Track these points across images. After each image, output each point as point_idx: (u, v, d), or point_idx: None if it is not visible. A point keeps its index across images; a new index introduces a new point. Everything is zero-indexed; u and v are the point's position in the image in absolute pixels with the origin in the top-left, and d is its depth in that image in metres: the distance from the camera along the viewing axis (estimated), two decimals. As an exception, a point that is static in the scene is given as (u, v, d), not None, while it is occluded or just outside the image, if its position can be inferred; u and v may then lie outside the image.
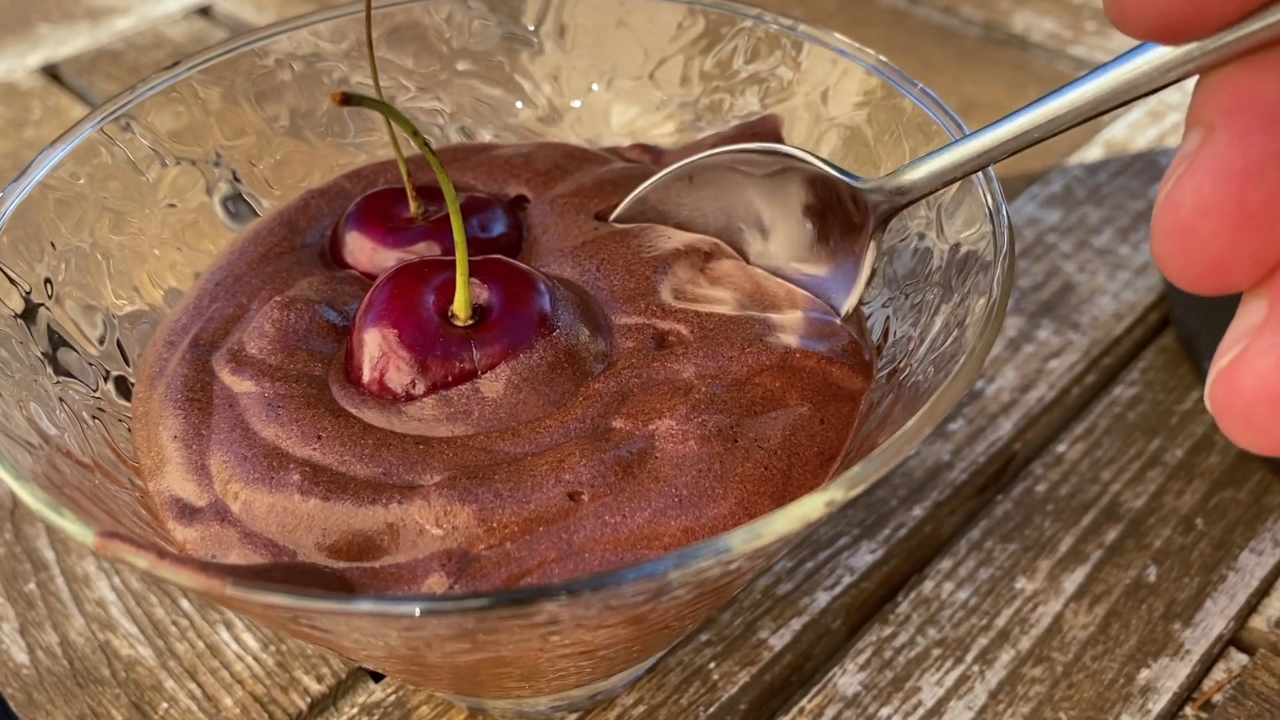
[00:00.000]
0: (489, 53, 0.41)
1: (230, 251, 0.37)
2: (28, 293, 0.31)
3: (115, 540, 0.23)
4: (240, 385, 0.31)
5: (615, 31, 0.40)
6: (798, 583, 0.36)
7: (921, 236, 0.32)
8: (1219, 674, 0.34)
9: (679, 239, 0.34)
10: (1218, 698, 0.33)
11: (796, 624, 0.35)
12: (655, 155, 0.40)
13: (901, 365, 0.30)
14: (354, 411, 0.30)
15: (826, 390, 0.30)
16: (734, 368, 0.30)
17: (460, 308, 0.30)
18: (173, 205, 0.37)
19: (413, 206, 0.36)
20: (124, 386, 0.33)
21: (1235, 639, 0.35)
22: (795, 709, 0.33)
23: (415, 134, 0.27)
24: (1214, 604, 0.36)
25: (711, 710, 0.33)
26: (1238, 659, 0.34)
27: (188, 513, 0.29)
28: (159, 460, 0.30)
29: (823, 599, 0.36)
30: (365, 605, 0.21)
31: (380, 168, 0.40)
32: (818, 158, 0.31)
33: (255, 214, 0.39)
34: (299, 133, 0.40)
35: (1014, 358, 0.44)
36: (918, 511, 0.39)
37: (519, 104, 0.41)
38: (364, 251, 0.35)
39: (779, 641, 0.35)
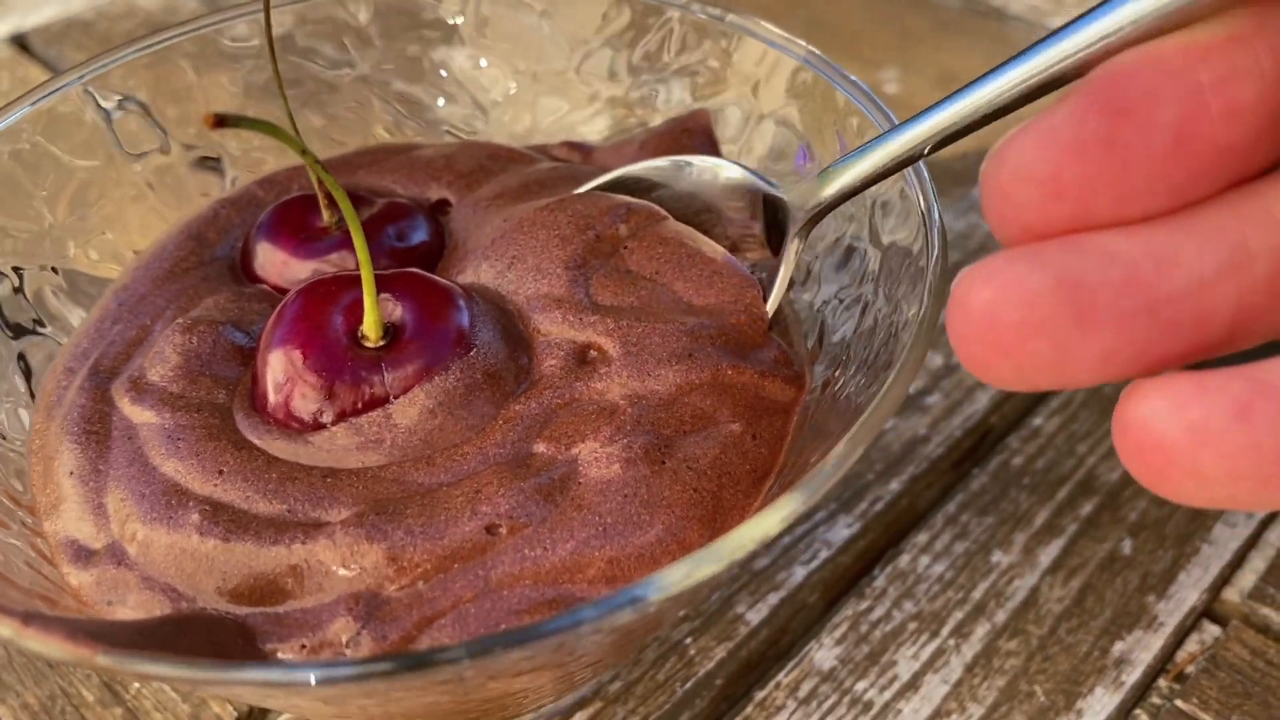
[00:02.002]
0: (408, 46, 0.40)
1: (135, 268, 0.35)
2: None
3: None
4: (140, 416, 0.29)
5: (539, 22, 0.39)
6: (774, 557, 0.36)
7: (856, 239, 0.32)
8: (1192, 646, 0.34)
9: (589, 213, 0.32)
10: (1191, 669, 0.33)
11: (773, 599, 0.35)
12: (584, 153, 0.38)
13: (835, 375, 0.29)
14: (258, 443, 0.28)
15: (758, 405, 0.29)
16: (660, 387, 0.29)
17: (370, 328, 0.28)
18: (80, 214, 0.35)
19: (325, 215, 0.34)
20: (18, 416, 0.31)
21: (1208, 611, 0.35)
22: (772, 683, 0.33)
23: (304, 153, 0.25)
24: (1188, 576, 0.36)
25: (688, 685, 0.33)
26: (1210, 630, 0.34)
27: (84, 556, 0.27)
28: (55, 499, 0.29)
29: (799, 573, 0.36)
30: (252, 674, 0.20)
31: (294, 172, 0.38)
32: (736, 163, 0.31)
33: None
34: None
35: (991, 331, 0.44)
36: (894, 485, 0.39)
37: (441, 100, 0.40)
38: (274, 265, 0.33)
39: (755, 616, 0.35)
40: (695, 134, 0.36)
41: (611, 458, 0.27)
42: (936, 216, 0.27)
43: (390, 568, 0.26)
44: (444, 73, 0.40)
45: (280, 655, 0.25)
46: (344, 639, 0.25)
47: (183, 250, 0.35)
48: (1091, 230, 0.18)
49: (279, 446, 0.28)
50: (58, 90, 0.34)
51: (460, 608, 0.25)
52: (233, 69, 0.38)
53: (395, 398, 0.28)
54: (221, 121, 0.22)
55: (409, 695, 0.23)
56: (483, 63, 0.40)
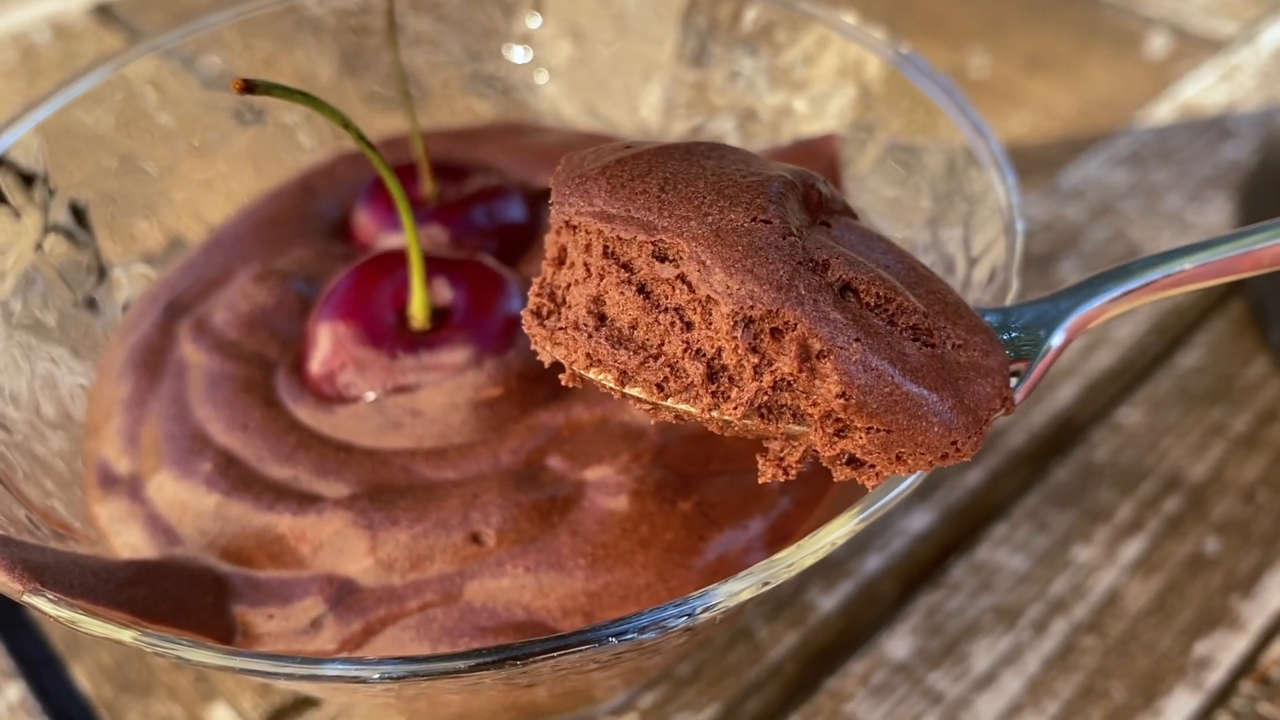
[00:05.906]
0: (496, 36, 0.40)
1: (244, 209, 0.35)
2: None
3: None
4: (194, 357, 0.30)
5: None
6: (849, 545, 0.36)
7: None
8: (1278, 649, 0.33)
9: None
10: (1276, 672, 0.33)
11: (847, 586, 0.35)
12: None
13: None
14: (288, 404, 0.28)
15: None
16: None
17: (417, 310, 0.28)
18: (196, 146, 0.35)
19: (427, 186, 0.34)
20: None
21: (1296, 613, 0.34)
22: (843, 672, 0.33)
23: (347, 125, 0.24)
24: (1274, 577, 0.35)
25: (758, 671, 0.33)
26: (1298, 634, 0.34)
27: (109, 481, 0.28)
28: (102, 419, 0.29)
29: (874, 562, 0.36)
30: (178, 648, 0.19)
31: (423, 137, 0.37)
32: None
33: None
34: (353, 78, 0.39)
35: (1074, 322, 0.43)
36: (973, 476, 0.38)
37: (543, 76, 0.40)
38: (368, 230, 0.34)
39: (828, 603, 0.35)
40: (819, 158, 0.34)
41: (622, 487, 0.26)
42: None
43: (369, 558, 0.25)
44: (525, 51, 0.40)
45: (246, 620, 0.25)
46: (310, 618, 0.25)
47: (289, 199, 0.35)
48: None
49: (304, 412, 0.28)
50: (145, 54, 0.34)
51: (427, 610, 0.25)
52: (320, 40, 0.38)
53: (424, 385, 0.28)
54: (250, 87, 0.21)
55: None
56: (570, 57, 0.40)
